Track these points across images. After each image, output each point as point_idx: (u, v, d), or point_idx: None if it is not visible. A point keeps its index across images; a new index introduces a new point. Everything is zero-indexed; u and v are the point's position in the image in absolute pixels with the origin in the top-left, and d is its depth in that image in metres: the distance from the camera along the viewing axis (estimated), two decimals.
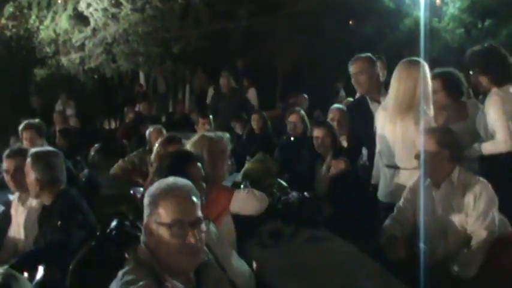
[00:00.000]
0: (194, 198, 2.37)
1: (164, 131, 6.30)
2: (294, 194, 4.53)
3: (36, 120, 6.38)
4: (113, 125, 14.96)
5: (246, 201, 3.75)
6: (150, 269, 2.30)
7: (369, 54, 5.18)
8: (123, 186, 5.81)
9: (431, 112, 4.33)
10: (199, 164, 3.29)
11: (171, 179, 2.44)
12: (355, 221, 4.56)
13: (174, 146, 4.61)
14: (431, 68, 4.46)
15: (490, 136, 4.37)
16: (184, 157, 3.33)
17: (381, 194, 4.54)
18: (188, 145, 3.99)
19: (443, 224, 3.69)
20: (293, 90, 12.02)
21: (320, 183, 5.26)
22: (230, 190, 3.84)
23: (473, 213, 3.56)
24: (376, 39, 12.34)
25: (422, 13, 11.40)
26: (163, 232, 2.30)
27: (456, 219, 3.64)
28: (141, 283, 2.22)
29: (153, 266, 2.32)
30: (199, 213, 2.37)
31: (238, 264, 3.15)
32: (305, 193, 4.60)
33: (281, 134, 8.02)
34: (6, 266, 2.26)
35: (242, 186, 4.16)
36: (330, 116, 6.07)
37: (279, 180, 5.02)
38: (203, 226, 2.38)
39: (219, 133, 4.29)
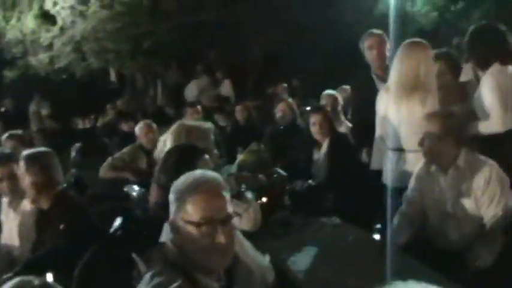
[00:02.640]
0: (224, 193, 2.21)
1: (154, 126, 6.13)
2: (298, 183, 4.40)
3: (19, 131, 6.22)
4: (88, 124, 14.68)
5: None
6: (181, 269, 2.15)
7: (380, 32, 5.11)
8: (109, 184, 5.69)
9: (435, 92, 4.24)
10: (207, 157, 3.13)
11: (198, 173, 2.28)
12: (359, 207, 4.48)
13: None
14: None
15: (487, 115, 4.30)
16: (191, 151, 3.15)
17: (388, 178, 4.43)
18: (168, 133, 3.84)
19: (454, 211, 3.57)
20: (267, 81, 11.95)
21: (319, 170, 5.14)
22: None
23: (485, 196, 3.44)
24: (350, 25, 12.33)
25: None
26: (192, 230, 2.14)
27: (467, 204, 3.52)
28: (175, 285, 2.05)
29: (185, 265, 2.16)
30: (230, 209, 2.21)
31: (256, 256, 3.01)
32: (310, 181, 4.48)
33: (264, 124, 7.96)
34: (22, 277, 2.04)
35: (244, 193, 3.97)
36: (323, 101, 5.98)
37: (277, 169, 4.91)
38: (234, 222, 2.22)
39: (200, 122, 4.16)
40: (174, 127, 3.86)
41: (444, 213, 3.60)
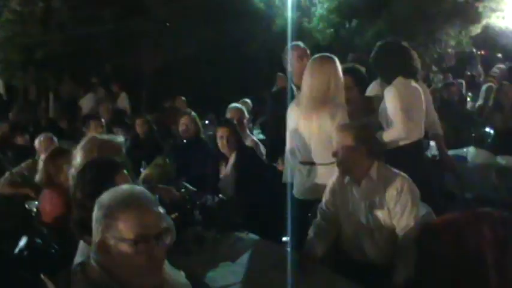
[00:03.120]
0: (155, 208, 2.11)
1: (55, 139, 5.83)
2: (209, 198, 4.31)
3: None
4: None
5: None
6: None
7: (301, 44, 5.26)
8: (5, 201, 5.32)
9: (345, 106, 4.32)
10: (125, 172, 2.98)
11: (125, 188, 2.17)
12: (269, 220, 4.46)
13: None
14: None
15: (391, 125, 4.44)
16: (110, 166, 2.98)
17: (298, 191, 4.48)
18: (78, 148, 3.66)
19: (368, 222, 3.60)
20: (162, 93, 11.81)
21: (226, 185, 5.06)
22: None
23: (397, 207, 3.50)
24: (248, 39, 12.46)
25: (289, 14, 11.66)
26: (127, 249, 2.01)
27: (380, 215, 3.56)
28: None
29: (111, 286, 2.02)
30: (163, 224, 2.12)
31: (175, 273, 2.89)
32: (220, 195, 4.40)
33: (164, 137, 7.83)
34: None
35: None
36: (228, 115, 5.93)
37: (184, 184, 4.81)
38: (167, 236, 2.11)
39: (111, 135, 4.04)
40: (84, 142, 3.67)
41: (358, 224, 3.62)
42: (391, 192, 3.52)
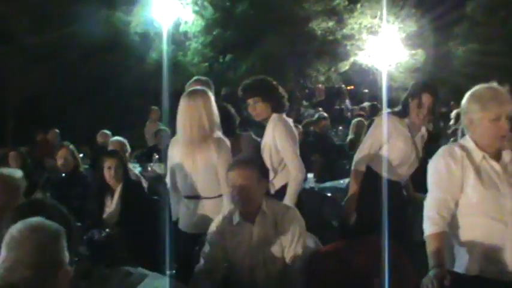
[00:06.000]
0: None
1: None
2: (95, 232, 4.21)
3: None
4: None
5: None
6: None
7: (203, 78, 5.41)
8: None
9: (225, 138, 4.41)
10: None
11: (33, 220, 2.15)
12: (154, 254, 4.42)
13: None
14: (176, 100, 4.51)
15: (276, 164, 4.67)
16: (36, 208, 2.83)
17: (184, 224, 4.48)
18: None
19: (264, 259, 3.64)
20: (31, 124, 11.42)
21: (111, 218, 4.97)
22: None
23: (288, 238, 3.59)
24: (121, 71, 12.34)
25: (164, 47, 11.74)
26: None
27: (274, 248, 3.63)
28: None
29: None
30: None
31: None
32: (107, 230, 4.31)
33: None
34: None
35: None
36: (111, 147, 5.86)
37: None
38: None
39: (10, 169, 3.88)
40: None
41: (253, 260, 3.64)
42: (282, 225, 3.61)
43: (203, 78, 5.37)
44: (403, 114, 4.71)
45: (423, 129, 4.87)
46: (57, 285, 2.11)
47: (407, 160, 4.74)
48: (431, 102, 4.56)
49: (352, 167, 4.83)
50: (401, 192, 4.91)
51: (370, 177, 4.73)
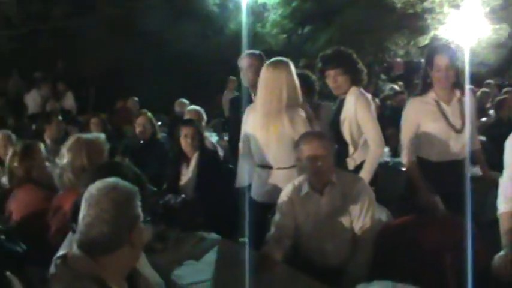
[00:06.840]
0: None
1: (13, 137, 5.71)
2: (171, 197, 4.34)
3: None
4: None
5: None
6: (95, 280, 2.10)
7: (257, 52, 5.22)
8: None
9: (302, 109, 4.38)
10: None
11: (110, 180, 2.26)
12: (228, 221, 4.50)
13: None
14: None
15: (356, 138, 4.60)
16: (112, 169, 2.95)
17: (256, 193, 4.49)
18: (64, 149, 3.65)
19: (332, 229, 3.67)
20: (109, 94, 11.70)
21: (187, 185, 5.09)
22: None
23: (357, 208, 3.61)
24: (200, 41, 12.47)
25: (243, 18, 11.77)
26: None
27: (342, 219, 3.65)
28: None
29: (97, 275, 2.12)
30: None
31: (150, 271, 2.93)
32: (183, 195, 4.44)
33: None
34: None
35: None
36: (188, 116, 5.96)
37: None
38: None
39: (94, 134, 4.03)
40: (70, 142, 3.68)
41: (321, 230, 3.68)
42: (351, 195, 3.63)
43: (256, 52, 5.23)
44: (425, 90, 4.44)
45: (457, 93, 4.40)
46: (133, 240, 2.19)
47: (448, 135, 4.36)
48: (447, 63, 4.23)
49: (404, 165, 4.57)
50: (459, 170, 4.28)
51: (422, 166, 4.43)
